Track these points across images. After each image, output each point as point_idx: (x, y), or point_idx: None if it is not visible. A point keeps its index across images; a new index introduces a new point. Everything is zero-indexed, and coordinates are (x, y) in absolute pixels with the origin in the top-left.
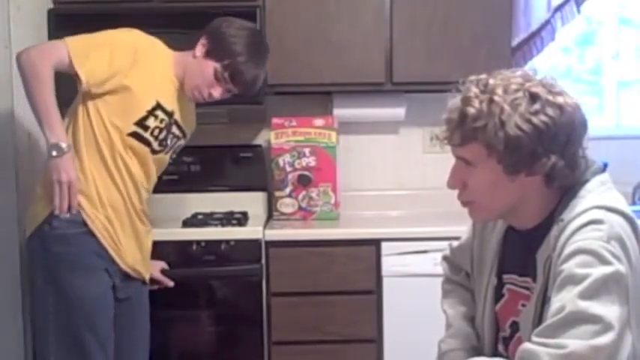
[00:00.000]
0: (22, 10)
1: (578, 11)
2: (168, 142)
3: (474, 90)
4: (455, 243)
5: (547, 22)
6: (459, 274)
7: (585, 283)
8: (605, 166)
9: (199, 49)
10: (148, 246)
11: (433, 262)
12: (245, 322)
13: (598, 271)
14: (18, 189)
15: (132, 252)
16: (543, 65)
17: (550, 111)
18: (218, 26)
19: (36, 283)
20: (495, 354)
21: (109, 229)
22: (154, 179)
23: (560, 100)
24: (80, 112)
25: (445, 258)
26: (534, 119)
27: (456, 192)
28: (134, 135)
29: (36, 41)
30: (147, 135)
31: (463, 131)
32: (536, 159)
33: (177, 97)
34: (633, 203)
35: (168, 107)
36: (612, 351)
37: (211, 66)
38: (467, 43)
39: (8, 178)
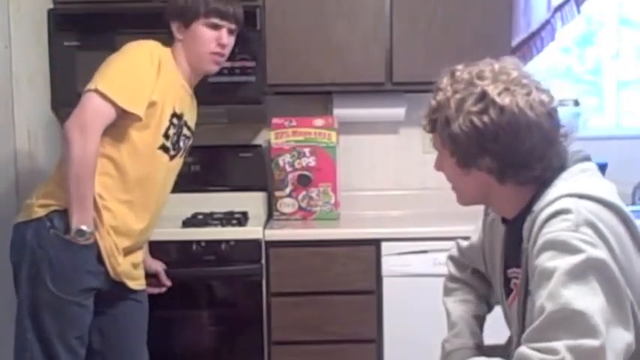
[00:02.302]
0: (22, 10)
1: (578, 11)
2: (181, 144)
3: (444, 81)
4: (464, 242)
5: (547, 22)
6: (464, 272)
7: (555, 278)
8: (605, 165)
9: (176, 31)
10: (140, 259)
11: (433, 262)
12: (245, 322)
13: (566, 262)
14: (18, 189)
15: (126, 265)
16: (543, 65)
17: (492, 112)
18: (168, 5)
19: (18, 273)
20: None
21: (118, 245)
22: (170, 189)
23: (505, 101)
24: (105, 142)
25: (451, 258)
26: (475, 119)
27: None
28: (162, 147)
29: (36, 41)
30: (168, 143)
31: (427, 120)
32: (475, 157)
33: (184, 96)
34: (633, 203)
35: (179, 111)
36: (604, 344)
37: (197, 26)
38: (467, 43)
39: (8, 178)
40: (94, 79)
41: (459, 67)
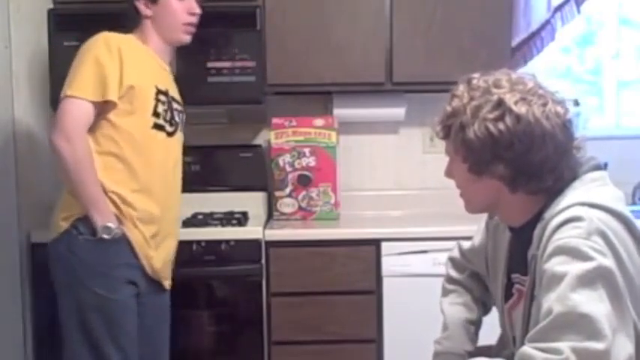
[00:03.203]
0: (22, 10)
1: (578, 11)
2: (176, 118)
3: (460, 88)
4: (465, 244)
5: (547, 22)
6: (462, 274)
7: (565, 282)
8: (605, 165)
9: (144, 8)
10: (173, 252)
11: (433, 262)
12: (245, 322)
13: (576, 268)
14: (18, 189)
15: (162, 259)
16: (543, 65)
17: (508, 120)
18: None
19: (59, 288)
20: None
21: (145, 234)
22: (179, 166)
23: (522, 110)
24: (100, 139)
25: (451, 259)
26: (490, 126)
27: (454, 192)
28: (155, 126)
29: (36, 41)
30: (161, 121)
31: (442, 126)
32: (487, 164)
33: (162, 73)
34: (633, 203)
35: (163, 88)
36: (609, 349)
37: (167, 0)
38: (467, 43)
39: (8, 178)
40: (63, 87)
41: (476, 75)
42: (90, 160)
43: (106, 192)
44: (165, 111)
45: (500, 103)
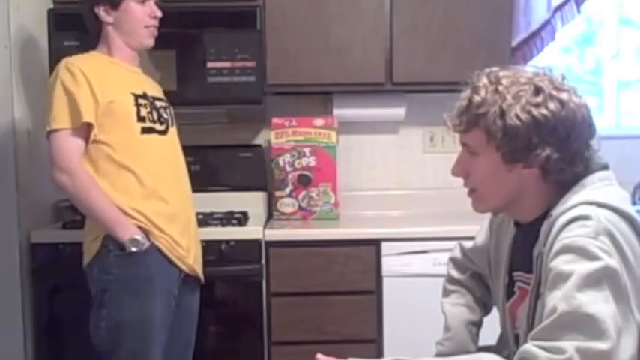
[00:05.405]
0: (22, 10)
1: (578, 11)
2: (164, 115)
3: (484, 80)
4: (467, 244)
5: (547, 22)
6: (463, 274)
7: (571, 281)
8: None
9: (105, 15)
10: (199, 243)
11: (433, 262)
12: (245, 322)
13: (583, 267)
14: (18, 189)
15: (193, 253)
16: (543, 65)
17: (551, 105)
18: None
19: (97, 307)
20: None
21: (173, 236)
22: (182, 161)
23: (563, 95)
24: (99, 162)
25: (452, 259)
26: (534, 111)
27: (455, 192)
28: (144, 131)
29: (36, 41)
30: (148, 124)
31: (467, 117)
32: (531, 149)
33: (135, 77)
34: (633, 203)
35: (139, 91)
36: (613, 349)
37: (128, 4)
38: (467, 43)
39: (8, 178)
40: (46, 122)
41: (495, 68)
42: (94, 184)
43: (122, 207)
44: (150, 112)
45: (539, 89)
